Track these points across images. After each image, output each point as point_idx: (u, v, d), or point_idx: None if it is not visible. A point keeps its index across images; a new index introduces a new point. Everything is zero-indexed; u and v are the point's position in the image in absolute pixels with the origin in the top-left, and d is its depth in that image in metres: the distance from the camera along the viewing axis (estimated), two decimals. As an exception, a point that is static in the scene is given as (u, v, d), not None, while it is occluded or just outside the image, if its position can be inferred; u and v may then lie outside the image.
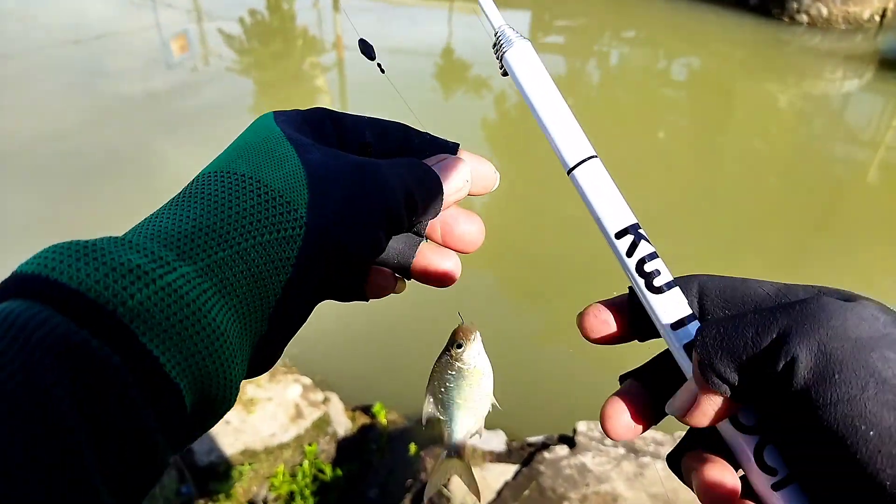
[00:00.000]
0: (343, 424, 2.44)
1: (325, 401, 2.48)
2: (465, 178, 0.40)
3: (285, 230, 0.32)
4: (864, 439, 0.25)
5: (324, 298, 0.37)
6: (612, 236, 0.34)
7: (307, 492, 2.09)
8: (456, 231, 0.41)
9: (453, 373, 0.45)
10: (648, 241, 0.34)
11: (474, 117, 5.51)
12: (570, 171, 0.35)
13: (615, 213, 0.34)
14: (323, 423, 2.38)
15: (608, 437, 0.35)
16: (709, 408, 0.30)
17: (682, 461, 0.34)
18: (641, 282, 0.33)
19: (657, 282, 0.33)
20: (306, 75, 6.56)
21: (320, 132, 0.39)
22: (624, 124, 5.48)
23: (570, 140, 0.35)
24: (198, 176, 0.34)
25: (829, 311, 0.27)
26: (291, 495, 2.08)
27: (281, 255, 0.31)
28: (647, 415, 0.34)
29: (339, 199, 0.34)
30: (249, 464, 2.17)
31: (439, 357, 0.46)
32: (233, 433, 2.25)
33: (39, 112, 5.49)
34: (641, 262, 0.33)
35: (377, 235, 0.35)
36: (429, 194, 0.38)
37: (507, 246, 3.73)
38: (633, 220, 0.34)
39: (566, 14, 7.87)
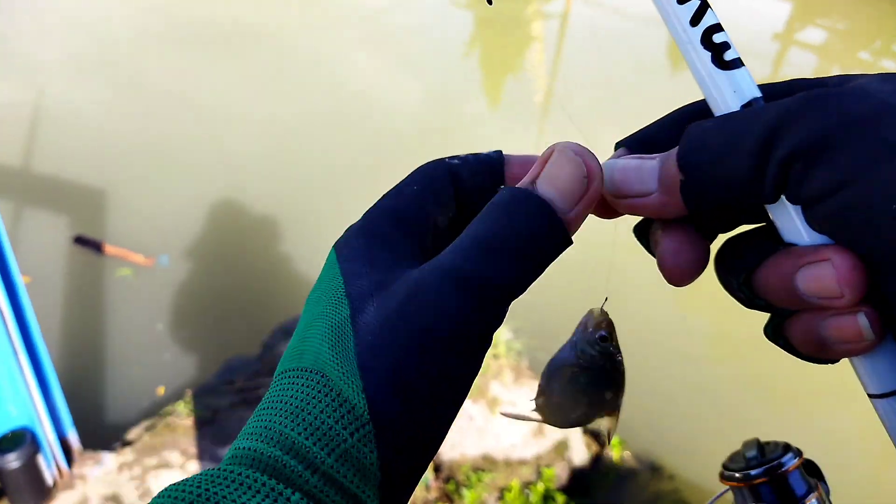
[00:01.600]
0: (579, 453, 2.35)
1: (566, 422, 2.43)
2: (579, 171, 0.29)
3: (357, 430, 0.26)
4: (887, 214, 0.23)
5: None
6: (674, 2, 0.28)
7: (536, 515, 2.07)
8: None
9: (584, 363, 0.36)
10: (713, 11, 0.28)
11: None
12: None
13: None
14: (562, 448, 2.32)
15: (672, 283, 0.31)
16: (651, 211, 0.30)
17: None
18: (707, 56, 0.28)
19: (728, 55, 0.28)
20: (525, 19, 6.31)
21: (414, 221, 0.31)
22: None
23: None
24: (280, 372, 0.30)
25: (822, 95, 0.25)
26: (520, 514, 2.07)
27: (366, 456, 0.26)
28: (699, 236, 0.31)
29: (391, 364, 0.27)
30: (487, 471, 2.19)
31: (572, 345, 0.36)
32: (476, 433, 2.28)
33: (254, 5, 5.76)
34: (709, 32, 0.28)
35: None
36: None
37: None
38: None
39: (834, 12, 6.88)
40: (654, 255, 0.32)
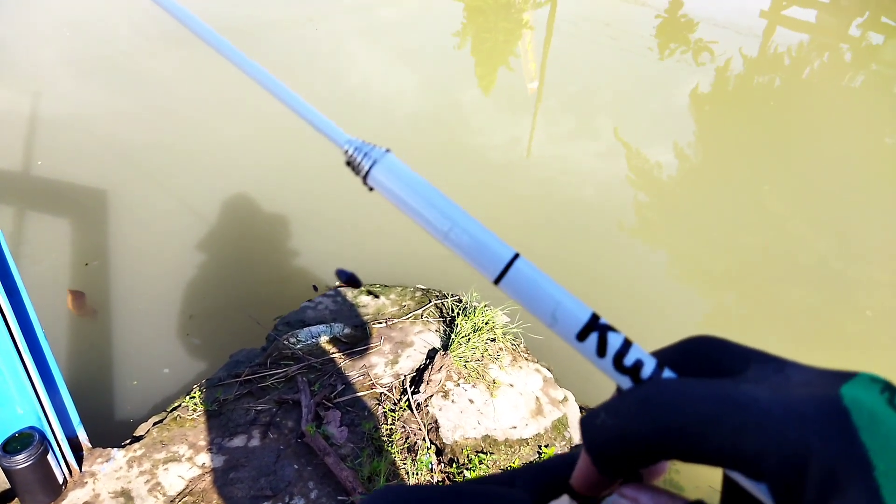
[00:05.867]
0: (578, 430, 2.35)
1: (564, 400, 2.42)
2: None
3: None
4: None
5: None
6: (574, 340, 0.28)
7: (538, 493, 2.10)
8: None
9: None
10: (615, 330, 0.28)
11: (684, 87, 4.99)
12: (496, 281, 0.29)
13: (568, 311, 0.28)
14: (561, 426, 2.34)
15: None
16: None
17: None
18: (627, 380, 0.27)
19: (644, 372, 0.27)
20: (516, 6, 6.29)
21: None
22: (855, 118, 4.73)
23: (487, 248, 0.29)
24: None
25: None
26: (524, 493, 2.12)
27: None
28: None
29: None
30: (489, 453, 2.19)
31: None
32: (475, 415, 2.29)
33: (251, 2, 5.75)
34: (619, 358, 0.28)
35: None
36: None
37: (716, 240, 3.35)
38: (590, 312, 0.28)
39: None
40: None
